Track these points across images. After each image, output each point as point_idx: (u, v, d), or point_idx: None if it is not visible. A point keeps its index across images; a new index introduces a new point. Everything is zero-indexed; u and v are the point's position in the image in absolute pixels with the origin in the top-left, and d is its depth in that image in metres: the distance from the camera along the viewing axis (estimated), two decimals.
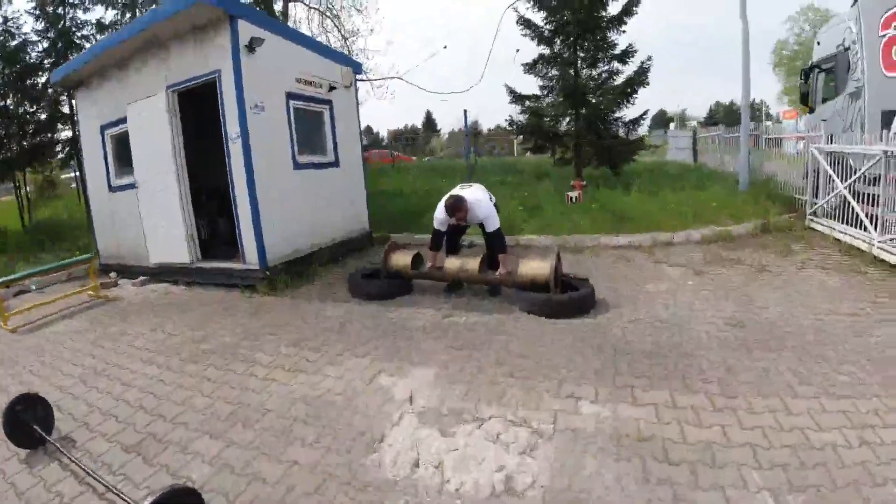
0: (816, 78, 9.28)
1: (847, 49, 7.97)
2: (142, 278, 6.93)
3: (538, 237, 7.83)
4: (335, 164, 7.28)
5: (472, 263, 5.10)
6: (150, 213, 6.55)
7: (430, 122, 67.97)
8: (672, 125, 45.69)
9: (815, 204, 7.78)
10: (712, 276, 5.61)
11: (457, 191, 5.18)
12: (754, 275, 5.52)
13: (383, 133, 48.62)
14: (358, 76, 8.35)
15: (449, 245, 5.57)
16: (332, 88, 7.10)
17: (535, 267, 4.85)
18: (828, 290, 4.88)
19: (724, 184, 10.75)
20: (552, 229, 8.08)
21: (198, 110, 6.73)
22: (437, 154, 40.89)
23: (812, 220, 7.78)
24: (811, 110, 9.60)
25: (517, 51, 12.74)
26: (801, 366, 3.41)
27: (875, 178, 6.33)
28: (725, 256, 6.38)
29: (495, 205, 5.29)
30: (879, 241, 5.83)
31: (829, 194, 7.40)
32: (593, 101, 11.63)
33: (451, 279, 5.35)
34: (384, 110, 76.23)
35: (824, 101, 9.07)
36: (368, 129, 42.31)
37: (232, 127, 5.66)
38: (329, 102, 7.13)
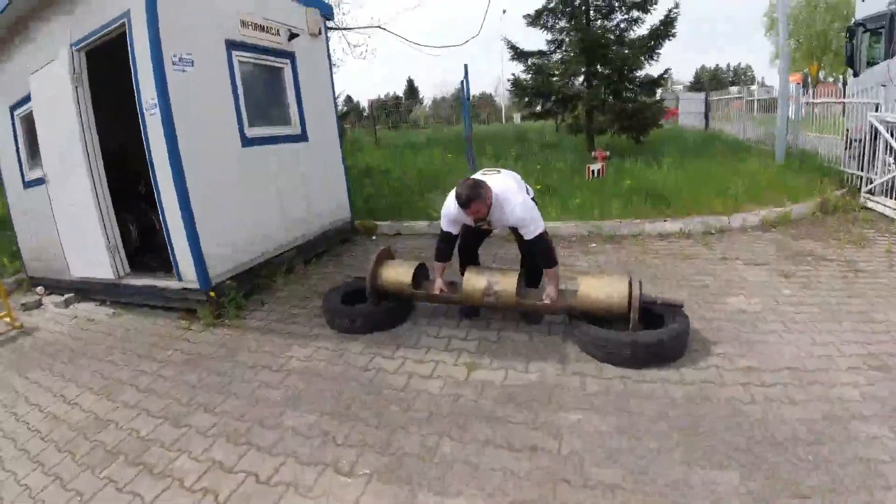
0: (861, 38, 8.03)
1: None
2: (67, 296, 5.27)
3: (561, 224, 6.32)
4: (302, 137, 5.54)
5: (506, 283, 3.51)
6: (63, 216, 4.86)
7: (412, 89, 65.10)
8: (659, 91, 44.27)
9: (873, 181, 6.84)
10: (803, 279, 4.53)
11: (478, 176, 3.51)
12: (850, 277, 4.53)
13: (364, 103, 45.95)
14: (329, 23, 6.56)
15: (465, 255, 3.94)
16: (293, 36, 5.30)
17: (605, 287, 3.32)
18: None
19: (755, 154, 9.67)
20: (577, 213, 6.58)
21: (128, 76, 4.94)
22: (420, 124, 38.73)
23: (868, 198, 6.86)
24: (855, 74, 8.37)
25: (503, 11, 11.11)
26: None
27: None
28: (801, 249, 5.37)
29: (533, 199, 3.61)
30: None
31: (889, 171, 6.51)
32: (612, 56, 9.88)
33: (473, 304, 3.79)
34: (361, 76, 72.13)
35: (870, 63, 7.89)
36: (348, 98, 39.59)
37: (146, 91, 3.93)
38: (290, 56, 5.35)
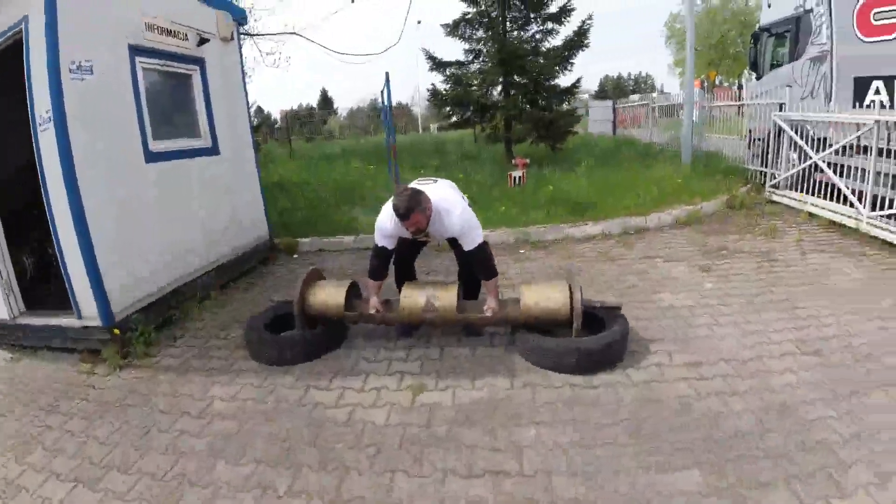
0: (765, 43, 8.72)
1: (809, 11, 7.34)
2: None
3: (490, 231, 6.29)
4: (213, 150, 5.07)
5: (446, 297, 3.34)
6: None
7: (326, 99, 63.65)
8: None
9: (777, 176, 7.42)
10: (722, 273, 4.76)
11: (414, 185, 3.33)
12: (766, 267, 4.83)
13: (276, 113, 44.09)
14: (243, 28, 6.14)
15: (401, 270, 3.74)
16: (203, 41, 4.85)
17: (547, 296, 3.26)
18: (855, 282, 4.34)
19: (664, 158, 10.24)
20: (504, 221, 6.59)
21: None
22: (336, 135, 37.84)
23: (773, 192, 7.47)
24: (758, 77, 9.05)
25: (418, 22, 11.08)
26: None
27: (848, 149, 6.01)
28: (716, 244, 5.70)
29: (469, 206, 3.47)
30: (869, 218, 5.51)
31: (793, 166, 7.07)
32: (528, 66, 10.10)
33: (412, 322, 3.59)
34: (272, 86, 69.49)
35: (773, 67, 8.57)
36: (259, 109, 37.90)
37: (40, 104, 3.40)
38: (200, 62, 4.90)
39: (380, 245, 3.35)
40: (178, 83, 4.76)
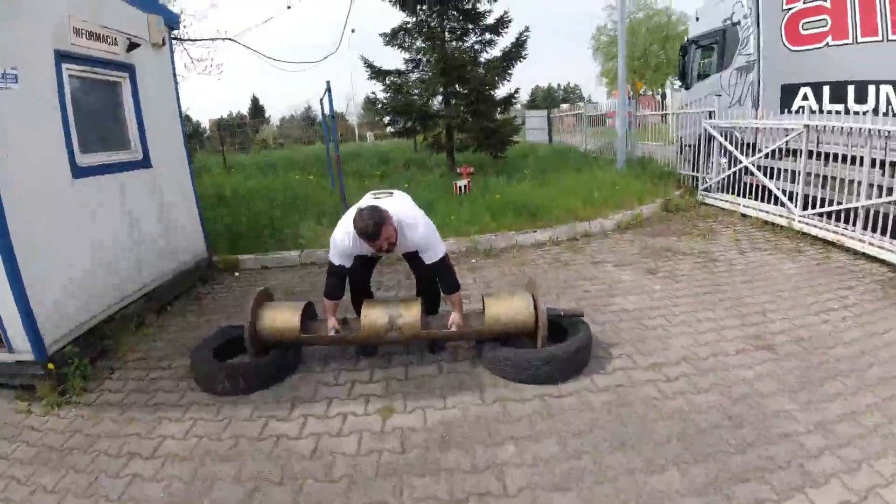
0: (693, 54, 9.23)
1: (736, 24, 7.85)
2: None
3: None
4: (144, 162, 4.68)
5: (409, 314, 3.23)
6: None
7: (257, 108, 61.56)
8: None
9: (709, 180, 7.88)
10: (668, 274, 4.96)
11: (368, 201, 3.19)
12: (710, 267, 5.07)
13: (205, 123, 42.01)
14: (174, 32, 5.76)
15: (357, 289, 3.56)
16: (133, 46, 4.49)
17: (512, 307, 3.23)
18: (794, 278, 4.61)
19: (599, 164, 10.65)
20: (454, 230, 6.55)
21: None
22: (270, 144, 36.63)
23: (705, 195, 7.93)
24: (687, 87, 9.57)
25: (352, 31, 10.90)
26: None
27: (777, 152, 6.46)
28: (658, 246, 5.94)
29: None
30: (800, 216, 5.86)
31: (724, 170, 7.52)
32: (469, 76, 10.17)
33: (375, 342, 3.44)
34: (199, 95, 66.43)
35: (701, 77, 9.07)
36: (188, 117, 36.00)
37: None
38: (130, 69, 4.52)
39: (336, 264, 3.20)
40: (107, 91, 4.38)
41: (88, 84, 4.13)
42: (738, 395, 2.79)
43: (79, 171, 3.78)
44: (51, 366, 3.22)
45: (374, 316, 3.24)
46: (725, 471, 2.21)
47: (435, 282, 3.41)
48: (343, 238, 3.08)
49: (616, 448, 2.41)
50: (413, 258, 3.33)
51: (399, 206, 3.15)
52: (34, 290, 3.21)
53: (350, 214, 3.05)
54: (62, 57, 3.70)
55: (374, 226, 2.82)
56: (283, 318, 3.30)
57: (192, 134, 27.11)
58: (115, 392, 3.33)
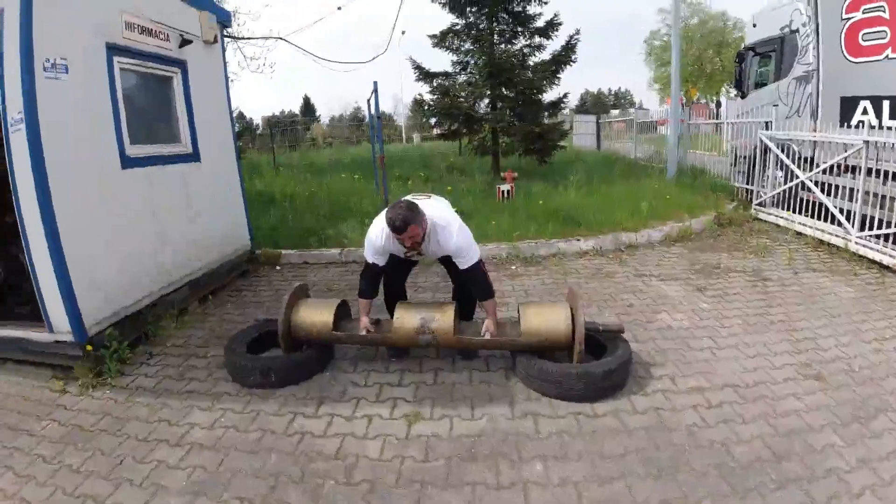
0: (750, 62, 8.81)
1: (795, 31, 7.44)
2: None
3: (482, 246, 6.09)
4: (193, 156, 4.83)
5: (443, 319, 3.16)
6: None
7: (308, 107, 63.26)
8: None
9: (764, 194, 7.52)
10: (718, 292, 4.71)
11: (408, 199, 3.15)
12: (760, 287, 4.80)
13: (257, 120, 43.40)
14: (227, 31, 5.93)
15: (391, 290, 3.54)
16: (185, 43, 4.64)
17: (550, 318, 3.11)
18: (848, 302, 4.33)
19: (649, 173, 10.37)
20: (495, 235, 6.45)
21: None
22: (319, 143, 37.43)
23: (759, 210, 7.57)
24: (743, 95, 9.14)
25: (402, 32, 10.97)
26: None
27: (835, 168, 6.07)
28: (708, 262, 5.66)
29: None
30: (857, 237, 5.56)
31: (780, 184, 7.14)
32: (517, 79, 10.05)
33: (406, 345, 3.39)
34: (252, 93, 68.90)
35: (758, 85, 8.66)
36: (241, 115, 37.25)
37: (12, 102, 3.15)
38: (182, 64, 4.67)
39: (370, 261, 3.18)
40: (158, 85, 4.53)
41: (140, 77, 4.27)
42: (783, 427, 2.59)
43: (128, 161, 3.91)
44: (89, 348, 3.33)
45: (406, 319, 3.18)
46: None
47: (475, 291, 3.32)
48: (377, 235, 3.06)
49: (650, 476, 2.26)
50: (448, 263, 3.28)
51: (435, 209, 3.09)
52: (77, 272, 3.33)
53: (386, 211, 3.02)
54: (114, 50, 3.83)
55: (402, 220, 2.78)
56: (316, 315, 3.30)
57: (245, 131, 27.98)
58: (150, 377, 3.41)
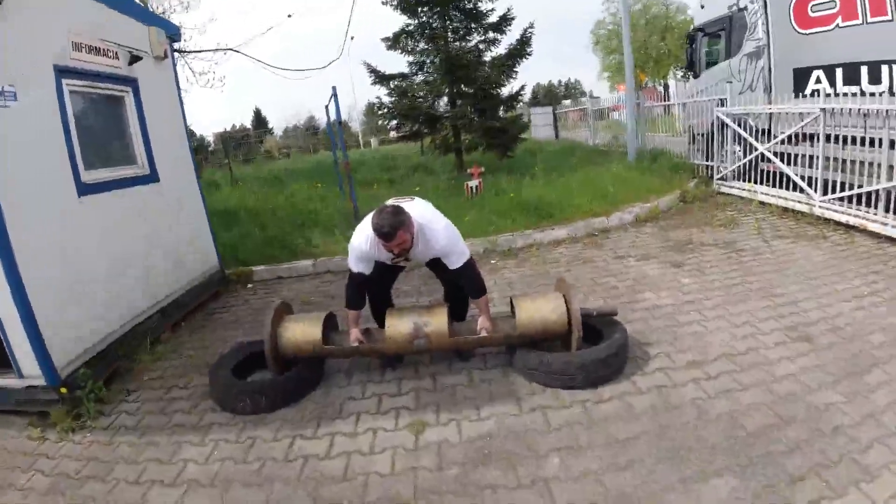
0: (701, 42, 9.03)
1: (743, 9, 7.66)
2: None
3: None
4: (152, 177, 4.57)
5: (436, 322, 3.07)
6: None
7: (259, 120, 61.85)
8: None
9: (724, 169, 7.69)
10: (695, 267, 4.77)
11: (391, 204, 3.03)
12: (735, 257, 4.90)
13: (209, 137, 42.14)
14: (176, 45, 5.66)
15: (378, 299, 3.43)
16: (135, 60, 4.39)
17: (542, 308, 3.07)
18: (822, 265, 4.46)
19: (610, 158, 10.46)
20: (470, 231, 6.40)
21: None
22: (275, 155, 36.64)
23: (721, 184, 7.74)
24: (696, 75, 9.37)
25: (352, 38, 10.81)
26: None
27: (792, 138, 6.24)
28: (680, 239, 5.76)
29: None
30: (821, 202, 5.71)
31: (739, 158, 7.32)
32: (474, 75, 10.03)
33: (400, 352, 3.27)
34: (200, 108, 66.83)
35: (709, 65, 8.88)
36: (191, 132, 36.10)
37: None
38: (133, 82, 4.42)
39: (355, 271, 3.06)
40: (110, 106, 4.28)
41: (90, 99, 4.03)
42: (783, 391, 2.64)
43: (84, 188, 3.67)
44: (64, 390, 3.10)
45: (398, 326, 3.09)
46: (782, 472, 2.08)
47: (467, 288, 3.25)
48: (361, 242, 2.94)
49: (665, 455, 2.25)
50: (436, 265, 3.19)
51: (421, 210, 3.00)
52: (42, 311, 3.10)
53: (369, 218, 2.90)
54: (62, 72, 3.59)
55: (391, 226, 2.68)
56: (304, 331, 3.16)
57: (198, 148, 27.12)
58: (131, 415, 3.20)
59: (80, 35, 3.81)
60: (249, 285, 5.92)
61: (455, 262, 2.99)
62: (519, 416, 2.68)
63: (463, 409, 2.81)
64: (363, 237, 2.93)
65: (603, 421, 2.56)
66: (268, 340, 3.10)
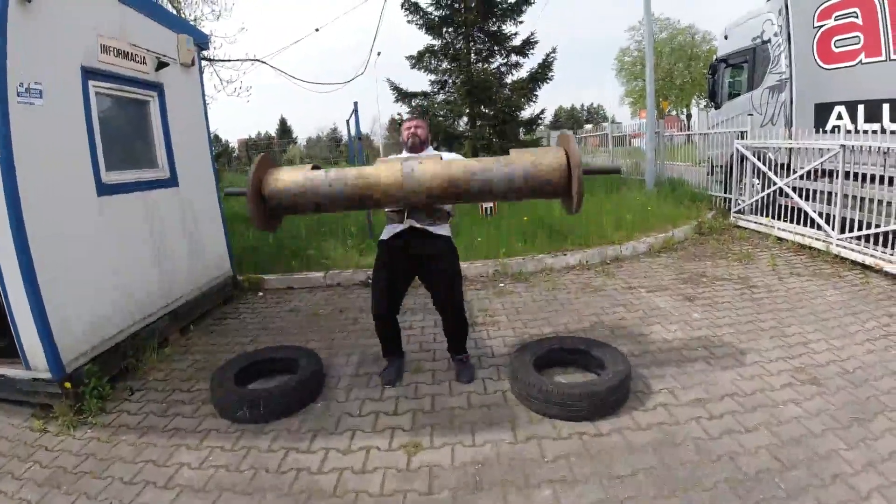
0: (723, 73, 9.02)
1: (767, 42, 7.66)
2: None
3: (469, 264, 6.08)
4: (171, 181, 4.69)
5: (428, 161, 2.70)
6: None
7: (284, 129, 62.98)
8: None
9: (742, 202, 7.64)
10: (707, 301, 4.71)
11: None
12: (748, 294, 4.83)
13: (233, 143, 43.00)
14: (204, 53, 5.83)
15: (389, 301, 3.39)
16: (162, 66, 4.53)
17: (539, 153, 2.72)
18: (835, 305, 4.40)
19: (629, 185, 10.41)
20: (482, 253, 6.40)
21: None
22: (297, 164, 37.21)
23: (738, 217, 7.68)
24: (717, 106, 9.33)
25: (378, 54, 11.04)
26: None
27: (812, 173, 6.23)
28: (694, 271, 5.70)
29: None
30: (838, 240, 5.65)
31: (757, 191, 7.29)
32: (495, 97, 10.13)
33: (392, 189, 2.71)
34: (228, 115, 68.19)
35: (731, 96, 8.83)
36: (216, 137, 36.90)
37: None
38: (158, 88, 4.56)
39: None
40: (135, 110, 4.40)
41: (116, 101, 4.15)
42: (787, 435, 2.58)
43: (104, 189, 3.76)
44: (68, 385, 3.15)
45: (387, 165, 2.75)
46: None
47: (462, 316, 3.39)
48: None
49: (664, 495, 2.20)
50: (436, 287, 3.32)
51: None
52: (53, 306, 3.17)
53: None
54: (89, 74, 3.71)
55: (418, 115, 2.95)
56: (289, 173, 2.80)
57: (221, 153, 27.69)
58: (133, 414, 3.23)
59: (110, 38, 3.94)
60: (260, 293, 5.97)
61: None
62: (514, 445, 2.64)
63: (459, 433, 2.79)
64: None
65: (600, 454, 2.51)
66: (250, 181, 2.73)
